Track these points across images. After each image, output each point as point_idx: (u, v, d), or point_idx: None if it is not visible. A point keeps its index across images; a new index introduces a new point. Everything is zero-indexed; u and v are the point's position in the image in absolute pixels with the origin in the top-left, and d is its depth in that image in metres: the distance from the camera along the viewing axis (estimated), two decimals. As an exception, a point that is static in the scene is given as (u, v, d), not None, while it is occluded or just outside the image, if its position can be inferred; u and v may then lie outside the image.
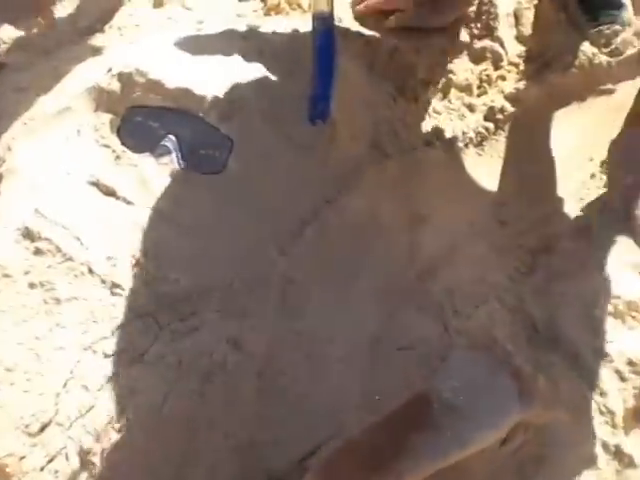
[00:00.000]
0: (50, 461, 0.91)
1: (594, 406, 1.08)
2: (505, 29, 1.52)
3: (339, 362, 1.00)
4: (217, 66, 1.18)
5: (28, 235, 1.05)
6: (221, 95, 1.13)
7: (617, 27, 1.47)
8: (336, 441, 0.89)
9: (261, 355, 0.97)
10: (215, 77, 1.15)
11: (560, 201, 1.32)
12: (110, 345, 0.98)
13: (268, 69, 1.20)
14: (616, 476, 1.01)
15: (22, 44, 1.51)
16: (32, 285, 1.01)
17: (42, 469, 0.90)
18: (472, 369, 1.04)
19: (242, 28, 1.34)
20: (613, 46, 1.48)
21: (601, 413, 1.08)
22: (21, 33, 1.52)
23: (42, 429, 0.92)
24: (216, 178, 1.10)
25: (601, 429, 1.06)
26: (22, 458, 0.91)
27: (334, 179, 1.17)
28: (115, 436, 0.92)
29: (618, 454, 1.03)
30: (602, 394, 1.09)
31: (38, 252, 1.03)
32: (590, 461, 1.06)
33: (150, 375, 0.95)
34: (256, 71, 1.19)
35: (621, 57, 1.47)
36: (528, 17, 1.53)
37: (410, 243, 1.15)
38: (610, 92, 1.48)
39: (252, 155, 1.11)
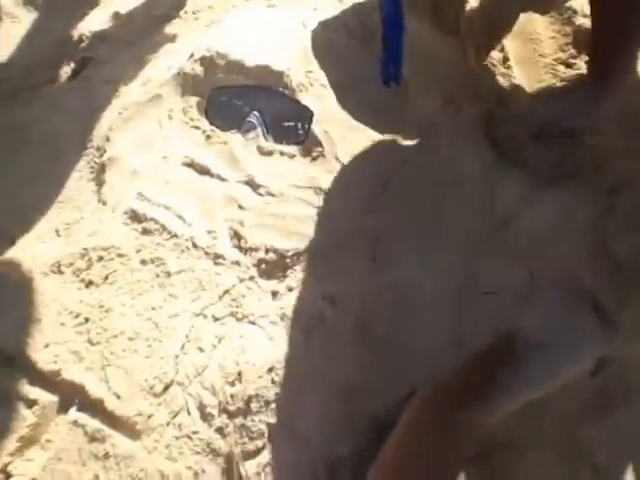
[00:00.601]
0: (174, 417, 1.03)
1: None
2: None
3: (429, 309, 1.08)
4: (292, 41, 1.26)
5: (135, 217, 1.17)
6: (298, 69, 1.21)
7: None
8: (430, 383, 0.97)
9: (356, 309, 1.06)
10: (291, 52, 1.24)
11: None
12: (218, 309, 1.09)
13: (340, 39, 1.27)
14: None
15: (103, 37, 1.63)
16: (144, 262, 1.13)
17: (167, 424, 1.03)
18: (555, 307, 1.10)
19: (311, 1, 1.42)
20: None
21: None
22: (100, 27, 1.64)
23: (165, 389, 1.04)
24: (301, 148, 1.18)
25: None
26: (150, 416, 1.03)
27: (412, 137, 1.23)
28: (230, 390, 1.03)
29: None
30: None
31: (146, 232, 1.15)
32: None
33: (256, 333, 1.06)
34: (329, 42, 1.27)
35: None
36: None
37: (489, 192, 1.21)
38: None
39: (332, 123, 1.19)
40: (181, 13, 1.61)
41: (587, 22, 1.47)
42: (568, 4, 1.52)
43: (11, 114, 1.53)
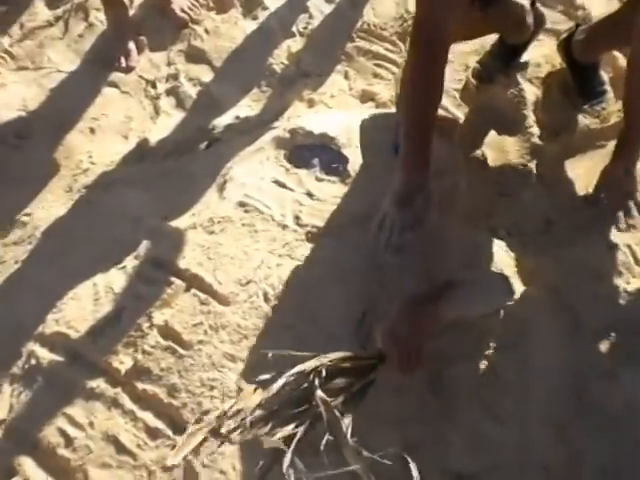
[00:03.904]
0: (249, 297, 2.05)
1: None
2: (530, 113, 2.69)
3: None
4: (340, 122, 2.43)
5: (241, 205, 2.26)
6: (342, 135, 2.37)
7: (603, 104, 2.62)
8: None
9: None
10: (340, 127, 2.41)
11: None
12: (281, 252, 2.13)
13: (371, 124, 2.45)
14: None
15: (227, 128, 2.82)
16: (243, 225, 2.20)
17: (244, 301, 2.04)
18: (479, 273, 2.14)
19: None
20: (602, 116, 2.62)
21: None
22: (225, 122, 2.85)
23: (247, 283, 2.07)
24: (340, 178, 2.32)
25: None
26: (236, 295, 2.07)
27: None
28: (280, 287, 2.09)
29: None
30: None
31: (246, 211, 2.23)
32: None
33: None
34: (365, 125, 2.44)
35: (608, 123, 2.60)
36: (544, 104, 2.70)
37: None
38: (603, 146, 2.59)
39: (359, 168, 2.33)
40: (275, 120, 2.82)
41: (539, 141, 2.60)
42: (530, 130, 2.67)
43: (165, 166, 2.73)
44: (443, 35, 1.90)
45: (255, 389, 1.61)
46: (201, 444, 1.60)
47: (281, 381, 1.60)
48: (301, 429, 1.58)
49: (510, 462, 1.92)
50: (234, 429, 1.55)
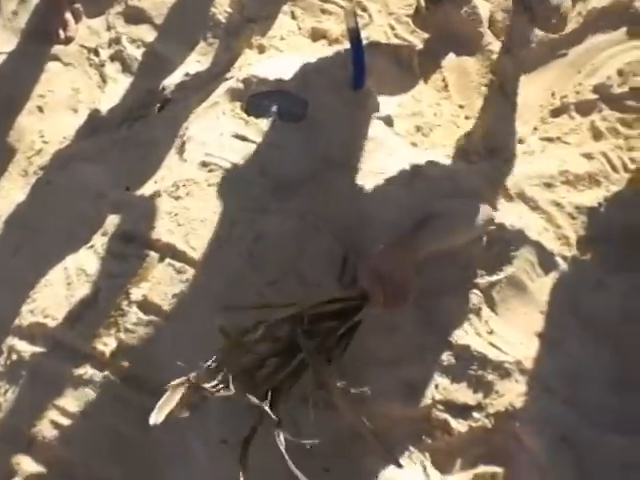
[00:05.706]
0: (227, 259, 2.01)
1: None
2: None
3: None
4: (295, 66, 2.33)
5: (204, 164, 2.16)
6: (299, 78, 2.27)
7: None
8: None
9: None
10: (294, 70, 2.29)
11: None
12: (249, 206, 2.08)
13: (326, 63, 2.34)
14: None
15: (179, 87, 2.68)
16: (210, 185, 2.10)
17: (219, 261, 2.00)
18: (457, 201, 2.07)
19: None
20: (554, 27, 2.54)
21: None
22: (176, 81, 2.73)
23: (222, 245, 2.02)
24: (299, 123, 2.22)
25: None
26: (213, 258, 2.01)
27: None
28: (256, 245, 2.01)
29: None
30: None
31: (210, 170, 2.14)
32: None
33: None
34: (319, 65, 2.33)
35: (565, 32, 2.52)
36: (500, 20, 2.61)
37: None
38: (564, 55, 2.51)
39: (319, 109, 2.23)
40: (231, 69, 2.71)
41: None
42: (488, 47, 2.58)
43: (120, 135, 2.61)
44: None
45: (237, 341, 1.54)
46: (184, 400, 1.53)
47: (261, 330, 1.55)
48: (286, 378, 1.55)
49: (512, 384, 1.91)
50: (216, 384, 1.48)
